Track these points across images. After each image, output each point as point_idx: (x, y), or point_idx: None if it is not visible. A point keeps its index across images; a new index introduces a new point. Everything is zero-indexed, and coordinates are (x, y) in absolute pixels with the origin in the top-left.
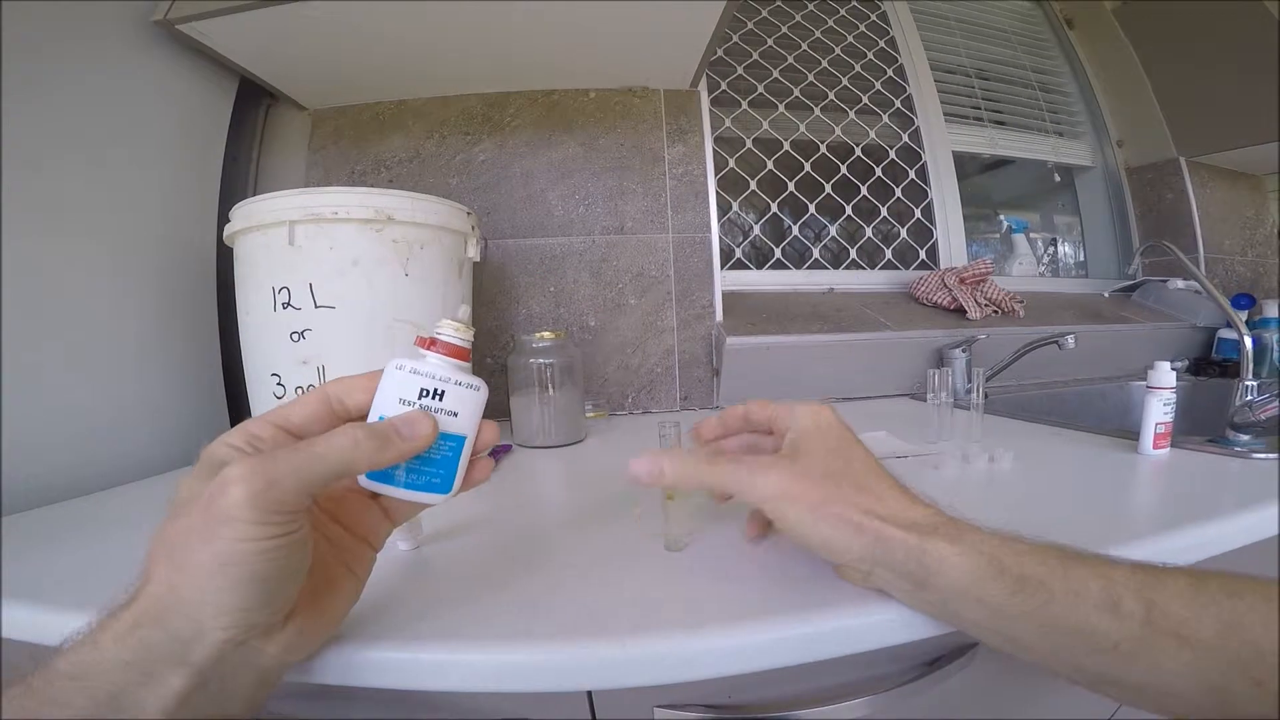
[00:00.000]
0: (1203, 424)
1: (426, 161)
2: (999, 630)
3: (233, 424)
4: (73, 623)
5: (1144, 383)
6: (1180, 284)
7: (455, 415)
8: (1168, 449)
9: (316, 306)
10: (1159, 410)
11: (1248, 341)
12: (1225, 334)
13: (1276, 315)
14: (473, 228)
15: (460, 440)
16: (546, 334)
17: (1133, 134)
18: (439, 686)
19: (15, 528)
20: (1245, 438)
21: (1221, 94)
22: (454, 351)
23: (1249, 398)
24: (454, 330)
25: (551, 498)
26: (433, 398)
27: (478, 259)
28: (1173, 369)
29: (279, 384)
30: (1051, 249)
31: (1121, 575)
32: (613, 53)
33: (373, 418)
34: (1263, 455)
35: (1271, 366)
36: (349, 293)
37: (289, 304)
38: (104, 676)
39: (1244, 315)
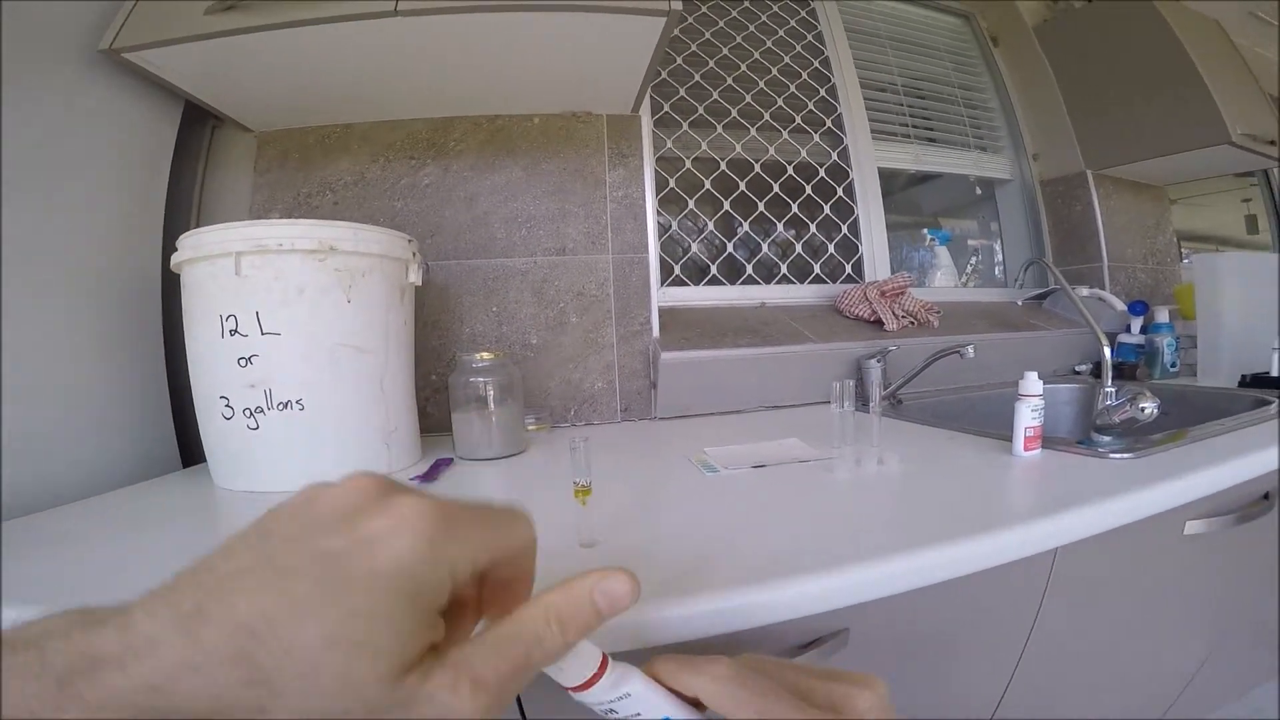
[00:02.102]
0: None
1: (372, 185)
2: None
3: (180, 442)
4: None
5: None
6: (1085, 291)
7: (639, 714)
8: (1039, 450)
9: (263, 333)
10: (1027, 415)
11: (1107, 352)
12: (1124, 339)
13: (1168, 320)
14: (414, 254)
15: None
16: (485, 354)
17: (1047, 148)
18: None
19: None
20: (1106, 439)
21: (1126, 110)
22: (583, 687)
23: (1108, 403)
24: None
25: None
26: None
27: (419, 283)
28: (1076, 372)
29: (227, 405)
30: (974, 259)
31: None
32: (556, 79)
33: None
34: (1118, 455)
35: (1163, 368)
36: (294, 320)
37: (236, 331)
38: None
39: (1140, 321)
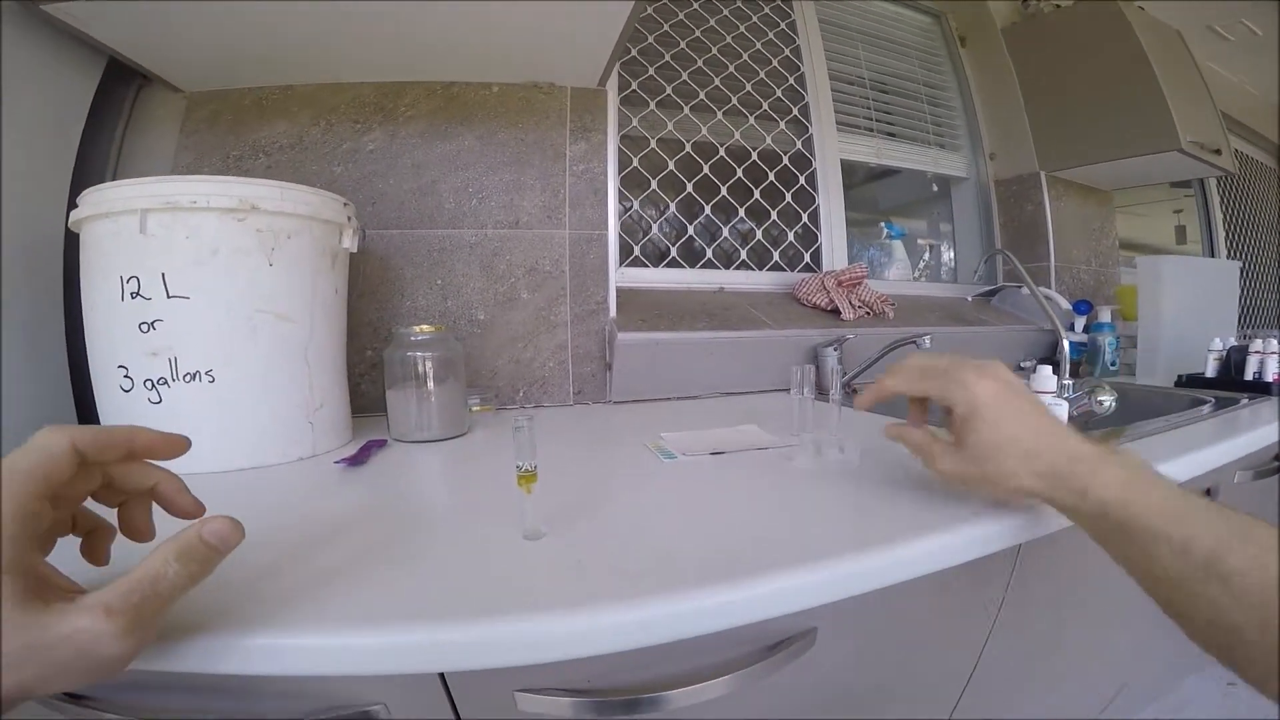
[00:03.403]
0: None
1: (310, 149)
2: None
3: (80, 418)
4: None
5: None
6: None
7: None
8: None
9: (169, 296)
10: None
11: (1066, 345)
12: (1068, 336)
13: (1110, 320)
14: (349, 218)
15: None
16: (424, 327)
17: (1004, 148)
18: (275, 670)
19: None
20: None
21: (1084, 112)
22: None
23: (1066, 395)
24: None
25: (423, 489)
26: None
27: (354, 250)
28: (1021, 368)
29: (126, 376)
30: (927, 255)
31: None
32: (519, 48)
33: None
34: None
35: (1104, 366)
36: (206, 282)
37: (138, 294)
38: None
39: (1083, 320)
